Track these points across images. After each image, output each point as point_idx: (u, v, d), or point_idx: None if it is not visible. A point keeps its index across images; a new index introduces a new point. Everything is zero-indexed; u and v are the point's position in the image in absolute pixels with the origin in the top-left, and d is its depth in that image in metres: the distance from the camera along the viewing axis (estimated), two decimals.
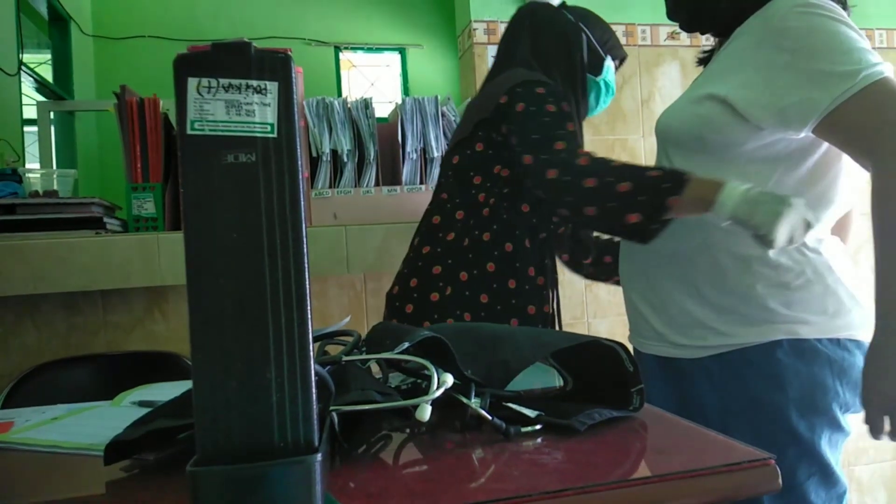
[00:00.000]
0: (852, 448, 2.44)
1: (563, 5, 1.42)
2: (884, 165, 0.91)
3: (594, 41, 1.40)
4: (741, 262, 1.01)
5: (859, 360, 0.99)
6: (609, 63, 1.42)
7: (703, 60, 1.21)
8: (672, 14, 1.17)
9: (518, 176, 1.27)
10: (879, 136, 0.91)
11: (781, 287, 1.00)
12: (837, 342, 0.99)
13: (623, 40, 2.50)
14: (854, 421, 1.01)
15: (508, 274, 1.28)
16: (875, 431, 0.90)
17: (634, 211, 1.03)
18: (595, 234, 1.52)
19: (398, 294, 1.32)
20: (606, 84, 1.42)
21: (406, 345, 0.63)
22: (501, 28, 2.39)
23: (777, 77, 0.96)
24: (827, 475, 0.99)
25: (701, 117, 1.03)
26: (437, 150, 1.89)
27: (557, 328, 1.41)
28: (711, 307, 1.03)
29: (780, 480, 0.51)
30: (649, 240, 1.04)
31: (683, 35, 2.42)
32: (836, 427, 0.99)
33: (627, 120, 2.44)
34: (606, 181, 1.06)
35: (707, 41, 1.21)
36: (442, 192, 1.37)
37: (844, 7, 1.05)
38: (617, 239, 1.39)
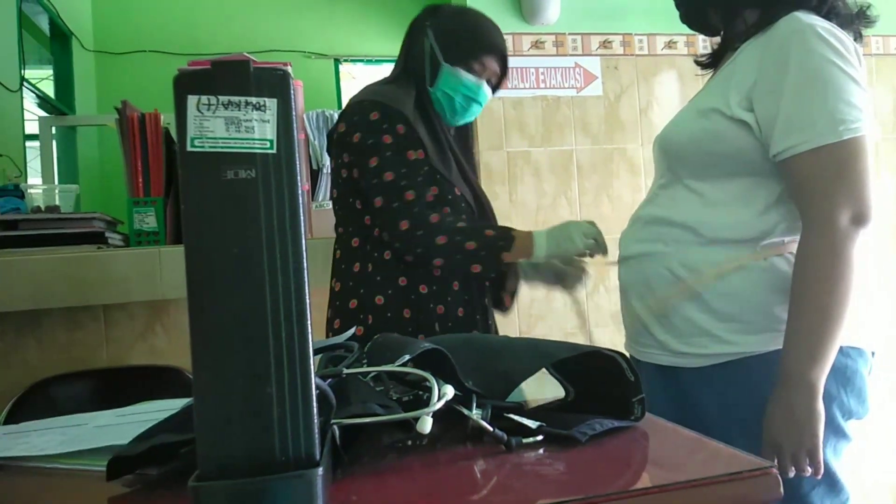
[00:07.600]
0: (856, 454, 2.42)
1: (436, 6, 1.34)
2: (808, 234, 0.95)
3: (435, 46, 1.29)
4: (744, 270, 1.01)
5: (862, 368, 0.99)
6: (452, 70, 1.29)
7: (705, 64, 1.21)
8: (686, 18, 1.18)
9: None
10: (815, 202, 0.94)
11: (785, 294, 0.99)
12: (840, 350, 0.98)
13: (620, 50, 2.52)
14: (856, 428, 1.01)
15: (420, 280, 1.28)
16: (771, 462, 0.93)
17: (477, 263, 1.24)
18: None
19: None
20: (447, 95, 1.30)
21: (407, 357, 0.63)
22: None
23: (762, 100, 0.98)
24: (832, 484, 0.99)
25: (707, 131, 1.04)
26: None
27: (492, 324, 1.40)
28: (714, 314, 1.03)
29: (782, 489, 0.51)
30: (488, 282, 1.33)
31: (680, 44, 2.43)
32: (841, 434, 0.99)
33: (626, 129, 2.44)
34: (456, 240, 1.22)
35: (705, 47, 1.21)
36: (339, 226, 1.37)
37: (850, 21, 1.05)
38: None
